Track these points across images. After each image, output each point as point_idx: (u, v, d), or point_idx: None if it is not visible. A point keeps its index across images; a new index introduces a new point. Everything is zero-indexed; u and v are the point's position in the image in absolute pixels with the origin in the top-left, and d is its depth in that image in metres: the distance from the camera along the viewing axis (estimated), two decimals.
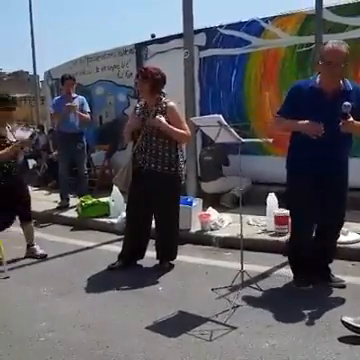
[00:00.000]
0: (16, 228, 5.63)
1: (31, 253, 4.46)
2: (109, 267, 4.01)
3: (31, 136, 4.40)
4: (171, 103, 3.87)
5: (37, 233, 5.43)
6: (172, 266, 3.97)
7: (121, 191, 5.19)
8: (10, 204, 4.25)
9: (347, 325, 2.64)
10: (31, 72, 12.39)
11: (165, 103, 3.85)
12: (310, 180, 3.15)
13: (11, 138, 4.23)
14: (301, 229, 3.34)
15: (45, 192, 7.71)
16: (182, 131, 3.81)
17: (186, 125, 3.89)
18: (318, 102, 3.09)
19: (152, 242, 4.11)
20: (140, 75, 3.83)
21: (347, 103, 2.97)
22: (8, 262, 4.11)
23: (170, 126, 3.73)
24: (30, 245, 4.51)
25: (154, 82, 3.79)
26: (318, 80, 3.19)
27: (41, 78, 13.18)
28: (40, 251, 4.48)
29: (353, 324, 2.63)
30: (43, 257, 4.41)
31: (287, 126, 3.29)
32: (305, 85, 3.23)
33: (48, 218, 6.06)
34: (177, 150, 3.87)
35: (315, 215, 3.28)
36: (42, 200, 6.87)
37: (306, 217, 3.27)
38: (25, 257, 4.42)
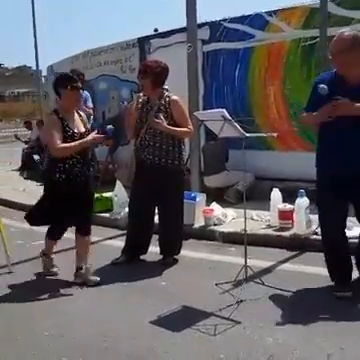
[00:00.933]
0: (17, 223, 5.67)
1: (82, 277, 3.60)
2: (113, 262, 4.01)
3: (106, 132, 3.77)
4: (174, 97, 3.85)
5: (40, 228, 5.42)
6: (176, 261, 3.97)
7: (124, 186, 5.19)
8: (73, 211, 3.54)
9: None
10: (34, 67, 12.39)
11: (168, 97, 3.84)
12: (335, 179, 3.10)
13: (81, 128, 3.58)
14: (328, 229, 3.32)
15: None
16: (184, 129, 3.81)
17: (189, 120, 3.88)
18: (338, 93, 3.04)
19: (155, 237, 4.11)
20: (141, 70, 3.82)
21: (323, 85, 3.01)
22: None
23: (170, 127, 3.72)
24: (79, 268, 3.64)
25: (155, 76, 3.78)
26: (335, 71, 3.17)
27: (44, 73, 13.18)
28: (93, 278, 3.58)
29: None
30: (96, 285, 3.55)
31: (310, 119, 3.26)
32: (326, 77, 3.20)
33: None
34: (180, 144, 3.87)
35: (342, 215, 3.25)
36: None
37: (331, 217, 3.24)
38: (75, 280, 3.63)
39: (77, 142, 3.44)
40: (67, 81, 3.50)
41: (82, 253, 3.68)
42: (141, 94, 3.97)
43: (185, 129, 3.82)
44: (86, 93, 6.45)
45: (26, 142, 10.88)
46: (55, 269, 3.86)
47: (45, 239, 3.91)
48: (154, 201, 3.93)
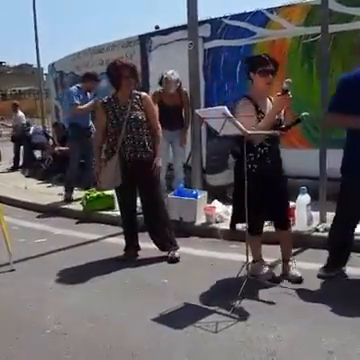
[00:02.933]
0: (19, 221, 5.69)
1: (285, 271, 3.47)
2: (118, 259, 4.05)
3: None
4: (143, 93, 3.99)
5: (42, 226, 5.50)
6: (178, 259, 3.97)
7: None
8: (268, 202, 3.33)
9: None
10: (35, 65, 12.35)
11: (138, 94, 3.92)
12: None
13: None
14: (343, 226, 3.39)
15: (49, 185, 7.71)
16: (159, 137, 4.01)
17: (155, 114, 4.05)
18: None
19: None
20: (127, 70, 3.81)
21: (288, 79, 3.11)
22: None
23: (159, 156, 3.95)
24: (287, 260, 3.49)
25: (137, 76, 3.91)
26: None
27: (45, 71, 13.15)
28: (295, 273, 3.39)
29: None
30: (297, 281, 3.34)
31: (341, 122, 3.29)
32: (352, 76, 3.18)
33: (53, 211, 6.08)
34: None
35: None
36: (45, 193, 6.89)
37: (350, 216, 3.31)
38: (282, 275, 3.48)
39: (268, 115, 3.23)
40: (257, 65, 3.32)
41: (285, 248, 3.52)
42: (107, 97, 3.97)
43: (159, 135, 4.03)
44: (96, 97, 6.37)
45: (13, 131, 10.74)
46: (265, 270, 3.52)
47: (249, 243, 3.41)
48: (136, 196, 4.07)
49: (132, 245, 4.15)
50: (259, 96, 3.35)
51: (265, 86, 3.32)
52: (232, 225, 3.59)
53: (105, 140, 3.97)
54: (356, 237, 4.00)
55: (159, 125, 4.04)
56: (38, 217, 5.96)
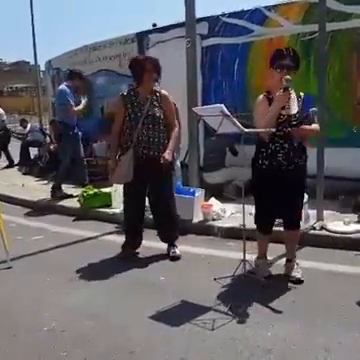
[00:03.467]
0: (16, 218, 5.68)
1: (287, 271, 3.46)
2: (117, 257, 4.04)
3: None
4: (164, 91, 3.95)
5: (39, 223, 5.49)
6: (179, 257, 3.97)
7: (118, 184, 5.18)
8: (279, 200, 3.30)
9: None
10: (32, 62, 12.30)
11: (158, 92, 3.89)
12: None
13: (292, 110, 3.22)
14: None
15: (45, 182, 7.69)
16: (177, 135, 3.99)
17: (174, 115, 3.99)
18: None
19: (151, 232, 4.12)
20: (150, 64, 3.79)
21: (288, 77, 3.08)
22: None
23: (171, 149, 3.88)
24: (289, 260, 3.50)
25: (160, 71, 3.85)
26: None
27: (42, 68, 13.11)
28: (296, 273, 3.37)
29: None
30: (298, 282, 3.32)
31: None
32: None
33: (50, 208, 6.08)
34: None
35: None
36: (42, 191, 6.87)
37: None
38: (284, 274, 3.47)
39: (270, 111, 3.17)
40: (275, 59, 3.25)
41: (289, 248, 3.51)
42: (126, 91, 3.95)
43: (177, 131, 4.01)
44: (63, 89, 6.34)
45: (22, 138, 10.82)
46: (265, 268, 3.52)
47: (257, 239, 3.54)
48: (145, 192, 4.01)
49: (133, 242, 4.12)
50: (277, 91, 3.24)
51: (280, 81, 3.19)
52: (255, 222, 3.54)
53: (122, 134, 3.93)
54: (348, 235, 4.05)
55: (177, 123, 4.00)
56: (35, 214, 5.95)
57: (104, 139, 7.99)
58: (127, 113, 3.85)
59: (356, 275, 3.42)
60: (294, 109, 3.23)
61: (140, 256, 4.08)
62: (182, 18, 5.43)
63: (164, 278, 3.57)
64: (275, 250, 3.93)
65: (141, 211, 4.07)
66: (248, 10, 6.16)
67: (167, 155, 3.81)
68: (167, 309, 3.01)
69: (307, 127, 3.23)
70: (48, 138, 9.86)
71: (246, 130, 3.23)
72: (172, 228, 4.07)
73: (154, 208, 4.09)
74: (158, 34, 7.33)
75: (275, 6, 5.97)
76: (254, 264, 3.50)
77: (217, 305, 3.01)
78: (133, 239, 4.13)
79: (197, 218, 4.83)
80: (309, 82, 5.38)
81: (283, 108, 3.21)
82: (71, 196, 6.29)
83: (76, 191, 6.30)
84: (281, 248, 3.63)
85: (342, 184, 5.12)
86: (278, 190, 3.28)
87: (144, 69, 3.79)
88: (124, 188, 4.04)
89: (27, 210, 6.20)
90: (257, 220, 3.50)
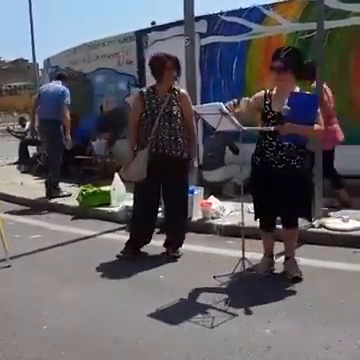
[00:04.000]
0: (15, 217, 5.68)
1: (287, 268, 3.46)
2: (118, 255, 4.01)
3: None
4: (183, 90, 3.93)
5: (38, 222, 5.49)
6: (179, 256, 3.97)
7: (123, 180, 5.17)
8: (273, 196, 3.29)
9: None
10: (31, 60, 12.22)
11: (178, 90, 3.87)
12: None
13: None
14: None
15: (44, 180, 7.66)
16: (194, 136, 3.98)
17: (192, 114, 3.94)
18: None
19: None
20: (170, 62, 3.77)
21: (286, 107, 3.02)
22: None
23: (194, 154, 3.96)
24: (287, 258, 3.50)
25: (179, 69, 3.84)
26: None
27: (41, 66, 13.07)
28: (294, 271, 3.37)
29: None
30: (296, 280, 3.31)
31: None
32: None
33: (48, 207, 6.07)
34: (185, 135, 3.92)
35: None
36: (41, 189, 6.85)
37: None
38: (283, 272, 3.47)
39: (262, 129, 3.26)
40: (272, 58, 3.25)
41: (287, 246, 3.52)
42: (146, 88, 3.94)
43: (194, 130, 3.99)
44: (66, 89, 6.35)
45: (21, 137, 10.82)
46: (266, 266, 3.52)
47: (261, 237, 3.58)
48: (158, 190, 3.95)
49: (138, 242, 4.06)
50: (277, 90, 3.29)
51: (279, 86, 3.25)
52: (256, 218, 3.56)
53: (138, 131, 3.89)
54: (348, 233, 4.06)
55: (194, 124, 3.98)
56: (33, 213, 5.95)
57: (103, 137, 8.00)
58: (145, 110, 3.83)
59: (355, 272, 3.44)
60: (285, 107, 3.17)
61: (139, 254, 4.08)
62: (181, 16, 5.44)
63: (163, 276, 3.58)
64: (274, 248, 3.95)
65: (152, 210, 4.01)
66: (246, 8, 6.18)
67: (195, 163, 3.92)
68: (166, 307, 3.01)
69: (296, 126, 3.08)
70: None
71: (244, 128, 3.24)
72: (178, 235, 4.03)
73: (166, 210, 4.06)
74: (157, 32, 7.33)
75: (273, 4, 5.99)
76: (259, 263, 3.51)
77: (216, 303, 3.01)
78: (138, 238, 4.06)
79: (196, 216, 4.83)
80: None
81: (269, 106, 3.25)
82: (69, 195, 6.28)
83: (74, 190, 6.30)
84: (276, 245, 3.64)
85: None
86: (271, 188, 3.29)
87: (164, 67, 3.76)
88: (135, 186, 3.99)
89: (26, 208, 6.20)
90: (256, 217, 3.52)
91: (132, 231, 4.12)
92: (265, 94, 3.35)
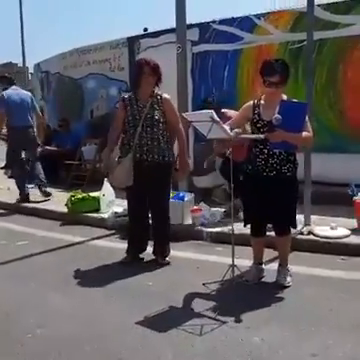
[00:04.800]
0: (1, 223, 5.60)
1: (277, 275, 3.44)
2: (121, 262, 4.01)
3: None
4: (165, 95, 3.93)
5: (25, 228, 5.42)
6: (168, 263, 3.96)
7: (112, 185, 5.16)
8: (264, 203, 3.33)
9: None
10: (20, 64, 12.21)
11: (159, 95, 3.88)
12: None
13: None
14: None
15: (32, 186, 7.58)
16: (183, 135, 3.97)
17: (179, 119, 3.96)
18: None
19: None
20: (150, 69, 3.79)
21: (278, 116, 3.06)
22: None
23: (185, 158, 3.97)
24: (280, 265, 3.50)
25: (160, 75, 3.85)
26: None
27: (31, 70, 13.03)
28: (285, 280, 3.37)
29: None
30: (285, 287, 3.33)
31: None
32: None
33: (36, 212, 6.02)
34: (170, 139, 3.95)
35: None
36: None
37: None
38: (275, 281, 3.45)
39: (252, 136, 3.28)
40: (263, 73, 3.26)
41: (279, 253, 3.54)
42: (128, 95, 3.98)
43: (182, 131, 3.99)
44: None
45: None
46: (255, 273, 3.52)
47: (252, 244, 3.59)
48: (146, 197, 3.97)
49: (135, 248, 4.07)
50: (266, 99, 3.32)
51: (268, 95, 3.29)
52: (245, 225, 3.59)
53: (120, 136, 3.92)
54: (336, 240, 4.10)
55: (181, 127, 3.97)
56: (21, 219, 5.89)
57: (93, 142, 7.97)
58: (126, 115, 3.85)
59: (343, 279, 3.46)
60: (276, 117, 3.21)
61: (128, 261, 4.06)
62: (173, 24, 5.47)
63: (152, 283, 3.56)
64: (265, 255, 3.96)
65: (143, 216, 4.04)
66: (238, 17, 6.23)
67: (187, 165, 3.95)
68: (155, 314, 3.00)
69: (285, 133, 3.10)
70: None
71: (236, 135, 3.26)
72: (160, 240, 4.03)
73: (151, 215, 4.06)
74: (149, 39, 7.35)
75: (265, 14, 6.04)
76: (249, 270, 3.52)
77: (205, 310, 3.01)
78: (137, 244, 4.07)
79: (186, 223, 4.83)
80: (298, 90, 5.45)
81: (259, 115, 3.29)
82: (27, 199, 6.35)
83: (63, 195, 6.26)
84: (266, 252, 3.67)
85: (328, 189, 5.19)
86: (262, 195, 3.32)
87: (141, 72, 3.80)
88: (126, 194, 4.04)
89: (12, 214, 6.13)
90: (246, 223, 3.55)
91: (129, 237, 4.13)
92: (253, 104, 3.38)
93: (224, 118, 4.04)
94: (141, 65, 3.84)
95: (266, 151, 3.29)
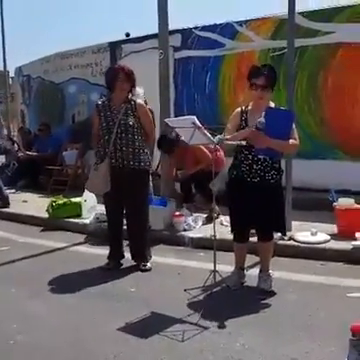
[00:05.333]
0: None
1: (259, 280, 3.45)
2: (103, 268, 3.98)
3: None
4: (139, 100, 3.96)
5: (6, 234, 5.34)
6: (149, 270, 3.94)
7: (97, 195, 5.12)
8: (250, 211, 3.35)
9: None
10: (1, 68, 12.05)
11: (133, 101, 3.90)
12: None
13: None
14: None
15: (13, 191, 7.51)
16: (153, 141, 4.01)
17: (152, 124, 4.02)
18: None
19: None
20: (124, 75, 3.80)
21: (261, 119, 3.11)
22: None
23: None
24: (261, 270, 3.51)
25: (133, 82, 3.85)
26: None
27: (12, 74, 12.87)
28: (266, 284, 3.38)
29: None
30: (266, 293, 3.34)
31: None
32: None
33: (17, 218, 5.93)
34: (145, 145, 3.95)
35: None
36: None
37: None
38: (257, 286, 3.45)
39: (236, 134, 3.22)
40: (250, 76, 3.26)
41: (261, 259, 3.54)
42: (102, 100, 3.99)
43: (152, 136, 4.06)
44: None
45: None
46: (237, 279, 3.52)
47: (234, 250, 3.59)
48: (123, 203, 3.97)
49: (116, 253, 4.06)
50: (253, 105, 3.33)
51: (255, 98, 3.30)
52: (232, 231, 3.59)
53: (97, 143, 3.92)
54: (315, 245, 4.15)
55: (153, 134, 4.01)
56: (1, 224, 5.79)
57: (75, 147, 7.92)
58: (100, 122, 3.85)
59: (323, 285, 3.50)
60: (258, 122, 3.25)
61: (110, 267, 4.03)
62: (156, 29, 5.48)
63: (134, 289, 3.54)
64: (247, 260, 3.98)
65: (122, 221, 4.05)
66: (220, 24, 6.29)
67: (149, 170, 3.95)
68: (136, 321, 2.98)
69: (271, 140, 3.12)
70: (16, 146, 9.66)
71: (216, 142, 3.27)
72: (139, 245, 4.01)
73: (127, 220, 4.05)
74: (131, 44, 7.36)
75: (246, 21, 6.12)
76: (230, 276, 3.52)
77: (187, 316, 3.00)
78: (116, 249, 4.07)
79: (168, 228, 4.83)
80: (280, 97, 5.52)
81: (245, 121, 3.29)
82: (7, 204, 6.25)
83: (44, 201, 6.19)
84: (247, 257, 3.69)
85: (308, 195, 5.27)
86: (246, 201, 3.32)
87: (115, 78, 3.81)
88: (104, 200, 4.03)
89: None
90: (232, 229, 3.55)
91: (109, 243, 4.11)
92: (241, 110, 3.38)
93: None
94: (116, 71, 3.86)
95: (250, 157, 3.30)
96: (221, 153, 4.83)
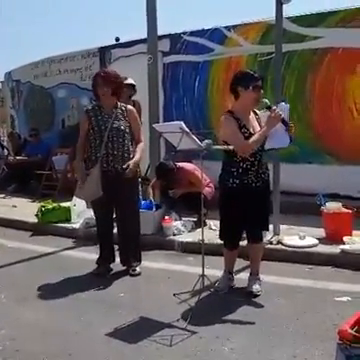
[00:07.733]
0: None
1: (248, 284, 3.46)
2: (93, 273, 3.97)
3: None
4: (130, 106, 3.96)
5: None
6: (139, 274, 3.94)
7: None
8: (246, 217, 3.36)
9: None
10: None
11: (124, 106, 3.91)
12: None
13: (257, 128, 3.33)
14: None
15: (2, 196, 7.46)
16: (142, 147, 3.94)
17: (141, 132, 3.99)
18: None
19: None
20: (100, 79, 3.79)
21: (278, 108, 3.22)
22: None
23: (135, 161, 3.82)
24: (251, 273, 3.54)
25: (115, 85, 3.82)
26: None
27: (1, 78, 12.83)
28: (255, 287, 3.40)
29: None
30: (255, 296, 3.36)
31: None
32: None
33: (6, 223, 5.90)
34: (134, 149, 3.95)
35: None
36: None
37: None
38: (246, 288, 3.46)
39: (260, 131, 3.23)
40: (250, 81, 3.27)
41: (254, 261, 3.54)
42: (92, 105, 3.99)
43: (142, 145, 3.99)
44: None
45: None
46: (225, 283, 3.54)
47: (224, 255, 3.59)
48: (113, 208, 3.97)
49: (106, 258, 4.05)
50: (244, 111, 3.33)
51: (254, 101, 3.32)
52: (221, 238, 3.58)
53: (86, 148, 3.88)
54: (303, 249, 4.17)
55: (142, 138, 3.99)
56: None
57: (64, 152, 7.90)
58: (91, 127, 3.83)
59: (311, 288, 3.52)
60: (258, 127, 3.32)
61: (99, 272, 4.02)
62: (145, 34, 5.50)
63: (123, 294, 3.54)
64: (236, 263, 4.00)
65: (112, 226, 4.04)
66: (208, 29, 6.33)
67: (131, 165, 3.77)
68: (125, 326, 2.98)
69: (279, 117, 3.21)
70: (6, 150, 9.61)
71: (204, 147, 3.30)
72: (130, 249, 4.00)
73: (118, 224, 4.04)
74: (121, 49, 7.38)
75: (234, 26, 6.17)
76: (219, 280, 3.53)
77: (175, 321, 3.01)
78: (107, 255, 4.06)
79: (157, 233, 4.83)
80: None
81: (245, 126, 3.28)
82: None
83: (33, 206, 6.16)
84: (242, 262, 3.71)
85: (296, 200, 5.31)
86: (248, 207, 3.32)
87: (95, 83, 3.83)
88: (93, 205, 3.98)
89: None
90: (223, 236, 3.52)
91: (100, 249, 4.09)
92: (233, 117, 3.32)
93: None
94: (95, 76, 3.89)
95: (256, 163, 3.32)
96: (212, 186, 4.97)
